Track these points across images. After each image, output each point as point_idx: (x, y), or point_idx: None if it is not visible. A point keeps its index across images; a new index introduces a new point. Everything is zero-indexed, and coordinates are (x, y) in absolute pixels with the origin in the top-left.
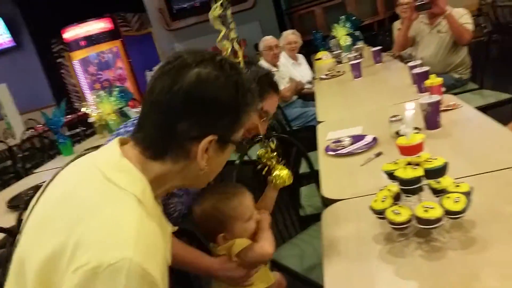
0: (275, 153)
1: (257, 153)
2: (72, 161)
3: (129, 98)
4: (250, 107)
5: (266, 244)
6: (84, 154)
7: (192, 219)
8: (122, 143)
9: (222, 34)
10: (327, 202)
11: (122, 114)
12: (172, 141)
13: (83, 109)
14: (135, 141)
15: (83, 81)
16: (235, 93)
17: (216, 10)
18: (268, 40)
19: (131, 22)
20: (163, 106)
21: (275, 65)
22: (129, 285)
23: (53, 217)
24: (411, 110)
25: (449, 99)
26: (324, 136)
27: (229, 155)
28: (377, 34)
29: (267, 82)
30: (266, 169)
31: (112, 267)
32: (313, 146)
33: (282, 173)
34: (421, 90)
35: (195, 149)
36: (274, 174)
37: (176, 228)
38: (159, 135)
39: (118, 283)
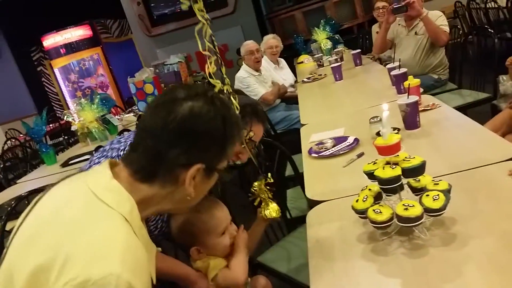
0: (268, 188)
1: (253, 184)
2: (62, 179)
3: (111, 105)
4: (235, 139)
5: (239, 272)
6: (73, 174)
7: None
8: (112, 165)
9: (199, 26)
10: (312, 204)
11: (105, 122)
12: (162, 166)
13: (65, 118)
14: (126, 163)
15: (65, 89)
16: (223, 127)
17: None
18: (249, 44)
19: (111, 28)
20: (156, 134)
21: (257, 70)
22: None
23: (42, 232)
24: (386, 111)
25: (428, 100)
26: (308, 138)
27: (213, 182)
28: (356, 37)
29: (252, 111)
30: (257, 200)
31: (100, 282)
32: (298, 149)
33: (271, 207)
34: (400, 91)
35: (183, 176)
36: (264, 206)
37: (159, 249)
38: (149, 160)
39: None
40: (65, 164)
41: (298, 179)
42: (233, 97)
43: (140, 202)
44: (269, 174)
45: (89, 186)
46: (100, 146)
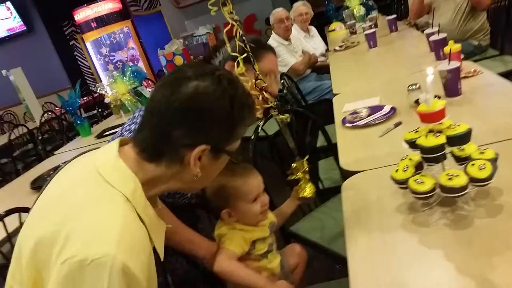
0: (307, 169)
1: (293, 165)
2: (76, 156)
3: (143, 77)
4: (245, 120)
5: (221, 260)
6: (88, 151)
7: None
8: (123, 143)
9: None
10: (346, 175)
11: (137, 94)
12: (167, 146)
13: (98, 91)
14: (134, 142)
15: (97, 63)
16: (230, 107)
17: None
18: (278, 12)
19: (140, 1)
20: (161, 112)
21: (286, 39)
22: (112, 281)
23: (50, 209)
24: (431, 75)
25: (469, 66)
26: (341, 108)
27: (223, 164)
28: (391, 3)
29: (259, 45)
30: (293, 177)
31: (95, 262)
32: (330, 120)
33: (308, 187)
34: (440, 57)
35: (188, 156)
36: (301, 186)
37: (170, 226)
38: (155, 139)
39: (102, 279)
40: (100, 135)
41: (331, 150)
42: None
43: (147, 181)
44: (305, 159)
45: (96, 166)
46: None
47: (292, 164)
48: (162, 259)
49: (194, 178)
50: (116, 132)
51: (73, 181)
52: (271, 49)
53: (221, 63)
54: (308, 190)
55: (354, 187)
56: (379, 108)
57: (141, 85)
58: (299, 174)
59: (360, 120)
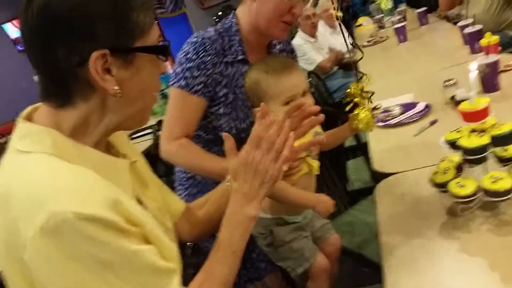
0: (367, 92)
1: (349, 86)
2: None
3: (169, 79)
4: (136, 1)
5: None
6: None
7: None
8: (34, 109)
9: None
10: (379, 177)
11: (163, 96)
12: (64, 78)
13: None
14: (41, 98)
15: None
16: None
17: None
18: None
19: (165, 3)
20: (31, 44)
21: (313, 36)
22: (78, 235)
23: None
24: (474, 71)
25: (507, 59)
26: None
27: (150, 69)
28: None
29: None
30: (350, 105)
31: (46, 228)
32: None
33: (366, 116)
34: (475, 50)
35: (92, 76)
36: (357, 114)
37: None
38: (48, 78)
39: (63, 238)
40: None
41: (360, 150)
42: None
43: (75, 128)
44: (367, 77)
45: (11, 144)
46: (161, 120)
47: (347, 90)
48: (134, 195)
49: (120, 100)
50: (146, 135)
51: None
52: None
53: None
54: (363, 121)
55: (389, 190)
56: (412, 105)
57: (168, 87)
58: (356, 100)
59: (392, 118)
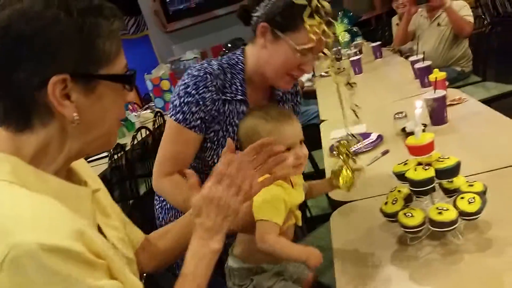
0: (352, 151)
1: (335, 143)
2: None
3: (128, 102)
4: (100, 29)
5: (270, 238)
6: None
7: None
8: None
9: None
10: (335, 204)
11: (122, 119)
12: (23, 101)
13: None
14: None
15: None
16: (66, 16)
17: None
18: None
19: (127, 25)
20: None
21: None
22: (41, 268)
23: None
24: (419, 108)
25: (454, 93)
26: (328, 135)
27: (117, 98)
28: (375, 29)
29: (302, 8)
30: (338, 163)
31: (7, 261)
32: (316, 145)
33: (347, 176)
34: (424, 84)
35: (50, 99)
36: (340, 172)
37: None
38: (7, 101)
39: (25, 272)
40: None
41: (318, 177)
42: None
43: (35, 154)
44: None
45: None
46: (118, 144)
47: (335, 145)
48: (97, 224)
49: (79, 127)
50: (101, 159)
51: None
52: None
53: (258, 20)
54: (344, 181)
55: (343, 218)
56: (366, 135)
57: (127, 110)
58: (342, 157)
59: None
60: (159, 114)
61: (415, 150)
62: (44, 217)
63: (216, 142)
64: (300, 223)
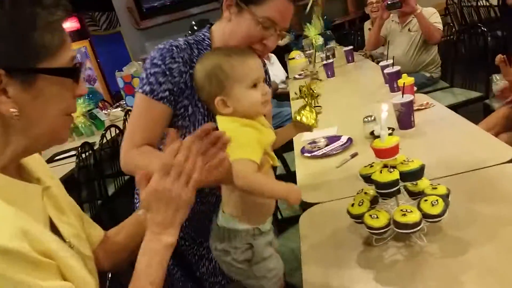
0: (315, 93)
1: (300, 85)
2: None
3: (98, 99)
4: (42, 19)
5: (248, 174)
6: None
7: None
8: None
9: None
10: (305, 206)
11: (91, 117)
12: None
13: None
14: None
15: None
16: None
17: None
18: None
19: (99, 21)
20: None
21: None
22: None
23: None
24: (385, 112)
25: (421, 98)
26: (300, 137)
27: (63, 91)
28: (348, 34)
29: None
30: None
31: None
32: (288, 147)
33: (311, 115)
34: (394, 89)
35: None
36: (302, 112)
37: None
38: None
39: None
40: (50, 160)
41: (290, 179)
42: None
43: None
44: (315, 83)
45: None
46: (86, 142)
47: (300, 85)
48: (48, 221)
49: (18, 120)
50: (70, 157)
51: None
52: None
53: None
54: (309, 117)
55: (312, 219)
56: (336, 138)
57: (97, 107)
58: (305, 98)
59: (318, 149)
60: (129, 112)
61: (380, 153)
62: None
63: (187, 119)
64: (276, 164)
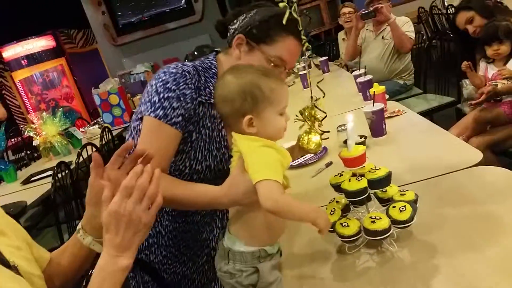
0: (318, 115)
1: (301, 109)
2: None
3: (75, 117)
4: None
5: (276, 195)
6: None
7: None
8: None
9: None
10: None
11: (68, 135)
12: None
13: (26, 133)
14: None
15: (28, 102)
16: None
17: None
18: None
19: (75, 38)
20: None
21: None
22: None
23: None
24: (351, 122)
25: (393, 106)
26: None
27: None
28: (323, 44)
29: (277, 23)
30: (302, 125)
31: None
32: None
33: (315, 138)
34: (367, 98)
35: None
36: (306, 135)
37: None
38: None
39: None
40: (26, 181)
41: None
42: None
43: None
44: (320, 101)
45: None
46: (62, 162)
47: (303, 108)
48: None
49: None
50: (46, 178)
51: None
52: (294, 34)
53: (234, 32)
54: (311, 141)
55: (288, 229)
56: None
57: (73, 126)
58: (307, 121)
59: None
60: (106, 129)
61: (348, 162)
62: None
63: (189, 144)
64: (290, 186)
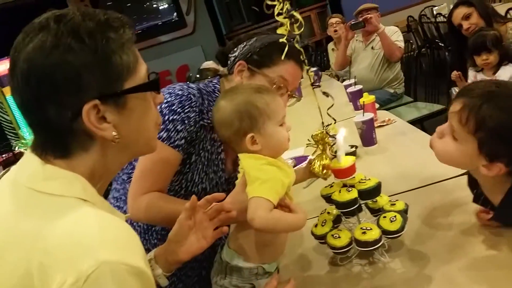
0: (330, 140)
1: (314, 133)
2: None
3: None
4: (112, 44)
5: (262, 215)
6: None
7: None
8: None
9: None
10: None
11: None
12: (60, 134)
13: (16, 148)
14: (35, 152)
15: (18, 117)
16: (78, 43)
17: None
18: (209, 65)
19: None
20: (22, 108)
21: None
22: (122, 287)
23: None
24: (341, 134)
25: (383, 115)
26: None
27: (149, 104)
28: (314, 55)
29: (278, 49)
30: (315, 150)
31: (93, 276)
32: None
33: (320, 163)
34: (357, 107)
35: (87, 127)
36: (318, 161)
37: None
38: (44, 136)
39: None
40: None
41: None
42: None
43: (91, 175)
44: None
45: (24, 184)
46: None
47: (314, 133)
48: None
49: (118, 143)
50: None
51: (10, 212)
52: (295, 59)
53: (235, 60)
54: (320, 166)
55: None
56: (303, 158)
57: None
58: (319, 146)
59: None
60: None
61: (338, 173)
62: (123, 238)
63: (187, 166)
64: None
